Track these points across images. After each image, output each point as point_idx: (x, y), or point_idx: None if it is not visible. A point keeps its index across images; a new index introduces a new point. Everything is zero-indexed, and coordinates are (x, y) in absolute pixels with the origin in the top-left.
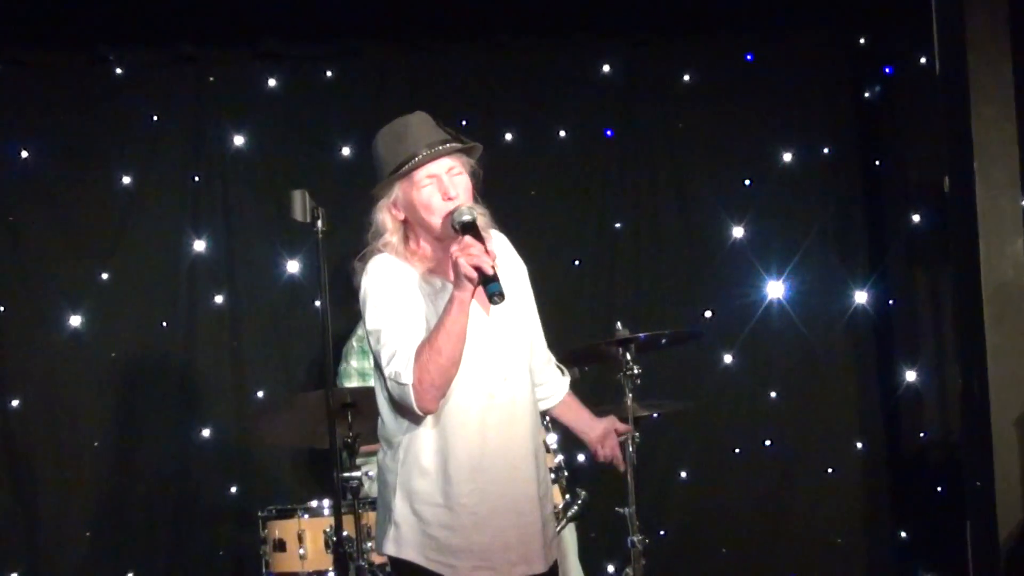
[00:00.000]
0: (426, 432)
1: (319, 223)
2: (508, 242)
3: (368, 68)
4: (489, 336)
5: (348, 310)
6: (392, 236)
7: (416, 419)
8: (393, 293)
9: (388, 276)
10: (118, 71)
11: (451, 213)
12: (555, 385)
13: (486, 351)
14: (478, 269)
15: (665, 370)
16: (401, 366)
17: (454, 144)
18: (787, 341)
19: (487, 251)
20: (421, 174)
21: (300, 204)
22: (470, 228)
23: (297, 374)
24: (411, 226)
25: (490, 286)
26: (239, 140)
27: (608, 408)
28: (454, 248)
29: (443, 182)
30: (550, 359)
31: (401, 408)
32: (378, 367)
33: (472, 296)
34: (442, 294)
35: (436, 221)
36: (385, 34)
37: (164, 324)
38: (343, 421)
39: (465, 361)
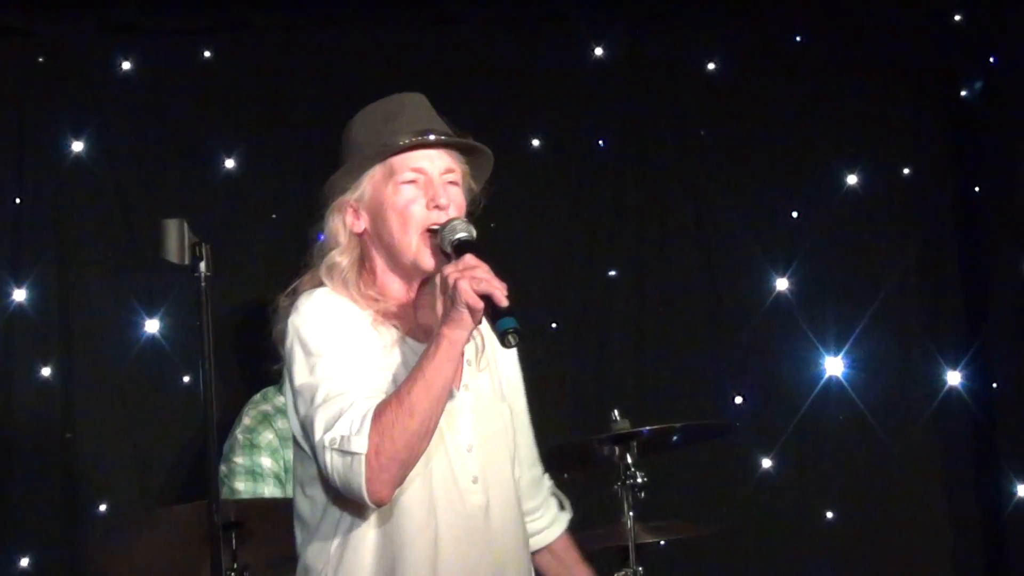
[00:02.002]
0: (365, 537)
1: (202, 265)
2: None
3: (260, 46)
4: (457, 419)
5: (237, 388)
6: (342, 257)
7: (357, 513)
8: (335, 334)
9: (329, 316)
10: None
11: (441, 228)
12: (547, 519)
13: (451, 437)
14: (486, 298)
15: (679, 479)
16: (350, 428)
17: (461, 137)
18: (849, 440)
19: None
20: (405, 166)
21: (176, 239)
22: (470, 248)
23: (156, 479)
24: (370, 248)
25: (502, 320)
26: (78, 147)
27: (598, 532)
28: (450, 268)
29: (433, 184)
30: (543, 480)
31: (339, 498)
32: (307, 440)
33: (469, 338)
34: (399, 349)
35: (409, 240)
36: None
37: None
38: (226, 547)
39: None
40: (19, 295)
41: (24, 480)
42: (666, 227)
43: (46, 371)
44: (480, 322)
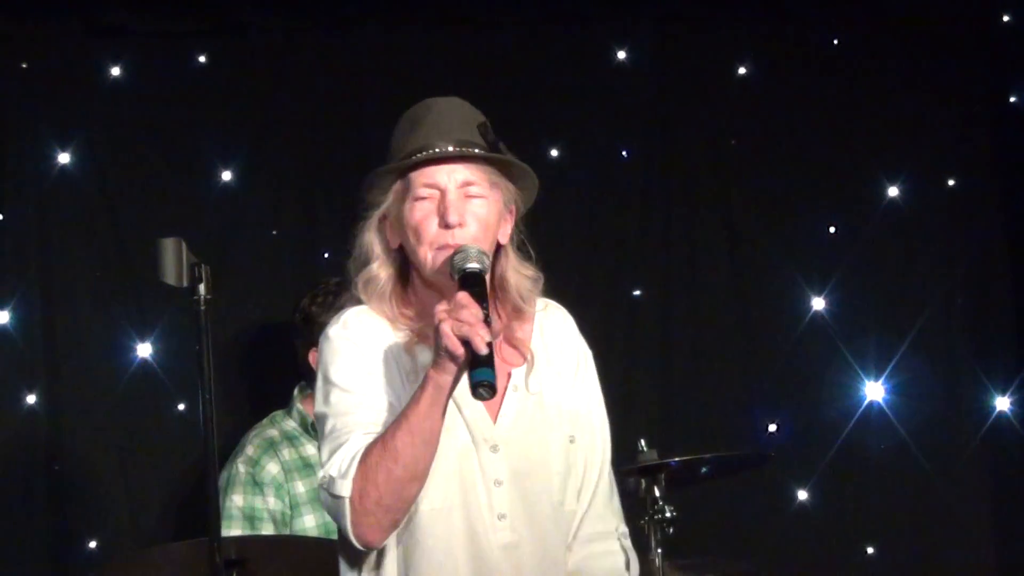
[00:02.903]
0: (389, 569)
1: (201, 288)
2: (570, 322)
3: (258, 50)
4: (486, 450)
5: (237, 414)
6: (380, 270)
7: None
8: (356, 364)
9: (356, 340)
10: None
11: (453, 254)
12: (607, 569)
13: (480, 469)
14: (467, 343)
15: (709, 513)
16: (339, 469)
17: (473, 147)
18: (891, 470)
19: (487, 320)
20: (419, 181)
21: (174, 259)
22: (472, 282)
23: (150, 514)
24: (409, 261)
25: (476, 372)
26: (64, 158)
27: None
28: (440, 307)
29: (446, 199)
30: (612, 524)
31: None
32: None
33: (456, 382)
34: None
35: (426, 257)
36: (285, 3)
37: None
38: None
39: (445, 474)
40: (2, 317)
41: (9, 515)
42: (694, 243)
43: (31, 398)
44: (464, 368)
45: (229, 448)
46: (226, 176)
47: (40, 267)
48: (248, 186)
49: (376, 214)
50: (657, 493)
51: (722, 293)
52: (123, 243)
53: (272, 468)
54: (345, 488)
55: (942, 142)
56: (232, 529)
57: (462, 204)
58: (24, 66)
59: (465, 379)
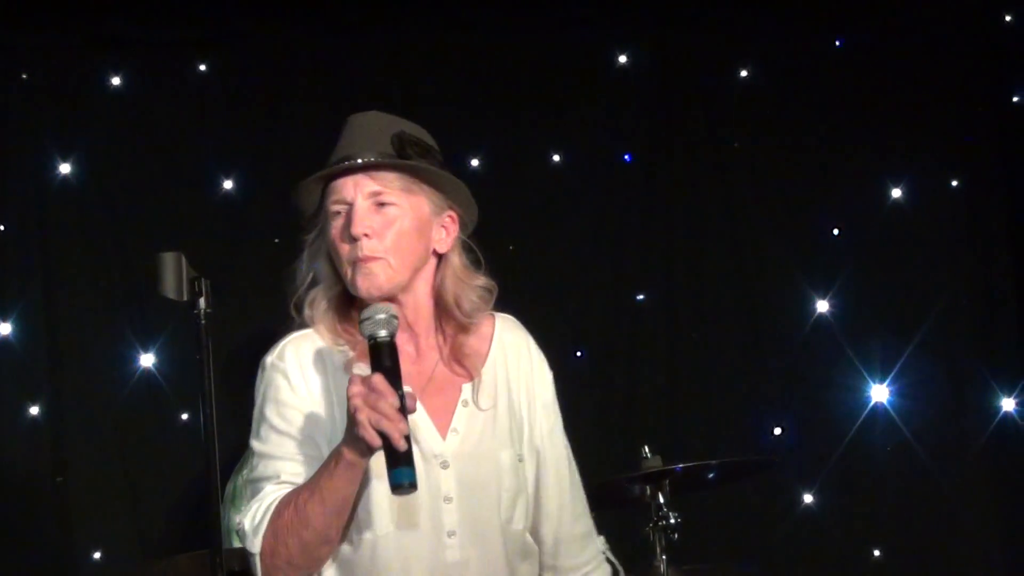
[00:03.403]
0: None
1: (201, 301)
2: (527, 338)
3: (259, 57)
4: (436, 466)
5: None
6: (325, 292)
7: (341, 566)
8: (286, 399)
9: (290, 372)
10: None
11: (361, 319)
12: None
13: (429, 486)
14: (385, 437)
15: (714, 518)
16: (252, 522)
17: (378, 156)
18: (897, 472)
19: (403, 406)
20: (331, 199)
21: (173, 274)
22: (385, 354)
23: (154, 525)
24: None
25: (396, 472)
26: (66, 168)
27: None
28: (354, 388)
29: (353, 212)
30: (591, 540)
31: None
32: None
33: (366, 460)
34: None
35: (346, 274)
36: (285, 10)
37: None
38: None
39: (387, 499)
40: (4, 328)
41: (12, 528)
42: (698, 247)
43: (34, 410)
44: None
45: (233, 457)
46: (227, 184)
47: (42, 277)
48: (250, 194)
49: (313, 235)
50: (661, 500)
51: (726, 297)
52: (125, 253)
53: None
54: (255, 544)
55: (945, 143)
56: (238, 542)
57: (369, 214)
58: (25, 77)
59: None
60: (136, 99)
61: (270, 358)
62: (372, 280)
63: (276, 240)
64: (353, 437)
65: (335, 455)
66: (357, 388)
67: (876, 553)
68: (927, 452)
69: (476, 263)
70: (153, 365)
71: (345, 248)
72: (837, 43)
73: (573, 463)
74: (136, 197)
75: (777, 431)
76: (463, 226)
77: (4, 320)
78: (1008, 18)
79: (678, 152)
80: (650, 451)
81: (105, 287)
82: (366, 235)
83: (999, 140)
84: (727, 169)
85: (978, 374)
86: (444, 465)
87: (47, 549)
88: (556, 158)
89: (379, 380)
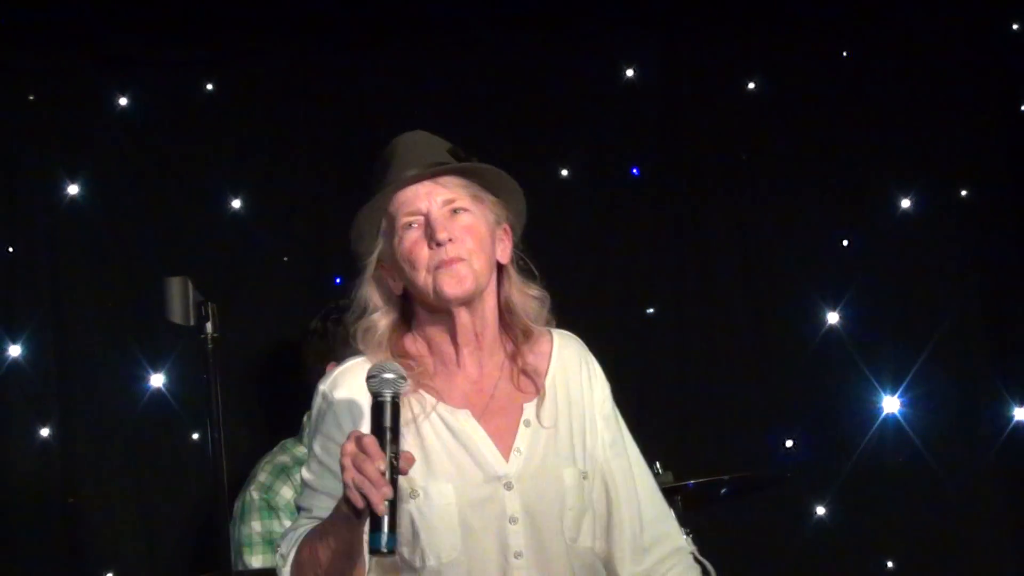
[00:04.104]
0: None
1: (208, 326)
2: (587, 353)
3: (266, 77)
4: (501, 488)
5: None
6: (382, 319)
7: None
8: (332, 435)
9: (339, 402)
10: None
11: (368, 376)
12: None
13: (495, 508)
14: (367, 499)
15: (726, 532)
16: (285, 551)
17: (444, 163)
18: (909, 483)
19: (391, 467)
20: (401, 212)
21: (180, 299)
22: (384, 414)
23: (166, 546)
24: (412, 302)
25: (372, 536)
26: (74, 189)
27: None
28: (347, 446)
29: (431, 219)
30: (669, 539)
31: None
32: None
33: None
34: (429, 421)
35: (427, 282)
36: (292, 27)
37: None
38: None
39: (449, 526)
40: (14, 351)
41: (24, 550)
42: (707, 260)
43: (45, 432)
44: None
45: (244, 474)
46: (236, 204)
47: (52, 299)
48: (258, 213)
49: (371, 262)
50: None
51: (736, 309)
52: (134, 273)
53: (286, 493)
54: (285, 573)
55: (953, 153)
56: (254, 555)
57: (448, 221)
58: (32, 98)
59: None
60: (143, 119)
61: (323, 386)
62: (460, 281)
63: (285, 259)
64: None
65: (337, 504)
66: (349, 447)
67: (889, 564)
68: (939, 463)
69: (531, 275)
70: (163, 385)
71: (424, 256)
72: (844, 54)
73: (644, 467)
74: (144, 217)
75: (789, 444)
76: (514, 237)
77: (14, 342)
78: (1015, 27)
79: (686, 165)
80: (662, 467)
81: (114, 308)
82: (450, 240)
83: (1007, 149)
84: (735, 181)
85: (990, 384)
86: (508, 486)
87: (58, 570)
88: (564, 172)
89: (370, 442)
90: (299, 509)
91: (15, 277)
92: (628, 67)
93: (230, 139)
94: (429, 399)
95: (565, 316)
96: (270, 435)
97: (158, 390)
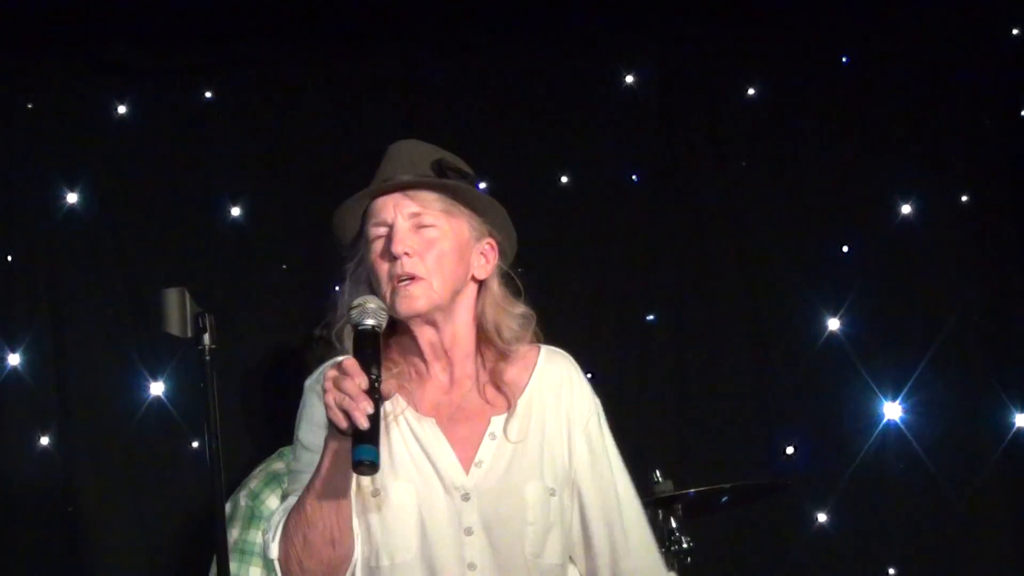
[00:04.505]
0: None
1: (206, 338)
2: (576, 373)
3: (266, 85)
4: (457, 499)
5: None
6: None
7: None
8: (319, 420)
9: (319, 401)
10: None
11: (350, 307)
12: None
13: (450, 518)
14: (349, 415)
15: (727, 540)
16: (273, 531)
17: (414, 175)
18: (910, 489)
19: (372, 388)
20: (371, 221)
21: (177, 309)
22: (367, 342)
23: (165, 555)
24: None
25: (357, 449)
26: (72, 198)
27: None
28: (330, 373)
29: (393, 231)
30: (652, 572)
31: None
32: None
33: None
34: (397, 425)
35: (386, 296)
36: (290, 34)
37: None
38: None
39: (407, 526)
40: (13, 359)
41: (23, 558)
42: (706, 267)
43: (44, 440)
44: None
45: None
46: (235, 211)
47: (50, 307)
48: (257, 221)
49: (353, 263)
50: (674, 524)
51: (736, 316)
52: (133, 281)
53: (272, 503)
54: (273, 550)
55: (954, 159)
56: (256, 570)
57: (409, 234)
58: (30, 106)
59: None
60: (142, 127)
61: (309, 380)
62: (412, 301)
63: (284, 266)
64: (328, 424)
65: (324, 448)
66: (330, 372)
67: (891, 572)
68: (940, 469)
69: (516, 292)
70: (163, 393)
71: (385, 268)
72: (844, 60)
73: (631, 495)
74: (143, 225)
75: (789, 451)
76: (503, 254)
77: (13, 351)
78: (1015, 31)
79: (686, 171)
80: (661, 475)
81: (113, 316)
82: (406, 254)
83: (1008, 155)
84: (735, 188)
85: (991, 390)
86: (465, 497)
87: None
88: (564, 179)
89: (350, 363)
90: (288, 495)
91: (14, 285)
92: (628, 73)
93: (229, 147)
94: (401, 402)
95: (564, 323)
96: (272, 443)
97: (157, 398)
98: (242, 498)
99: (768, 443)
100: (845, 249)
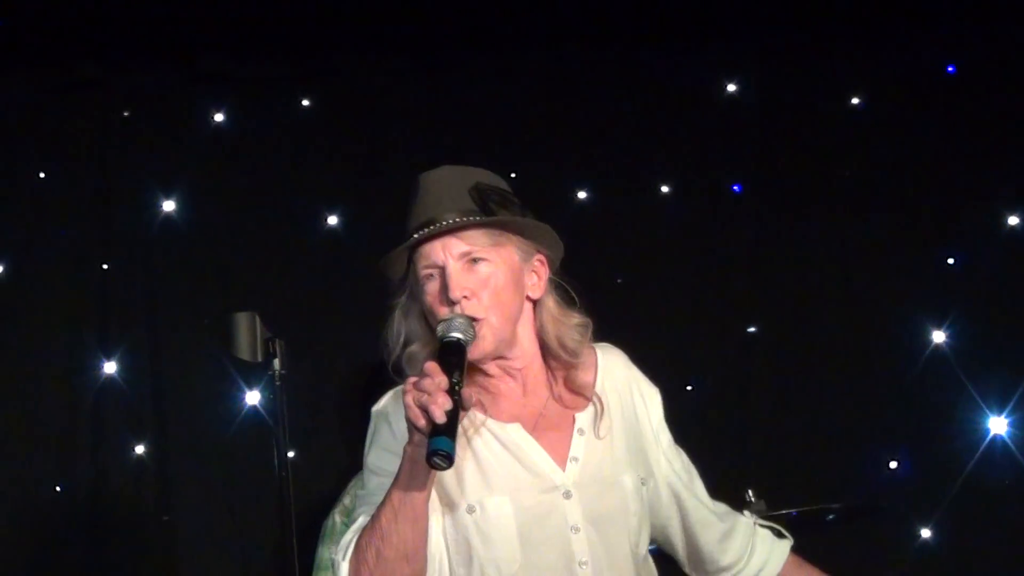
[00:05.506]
0: None
1: (276, 363)
2: (627, 362)
3: (364, 92)
4: (560, 497)
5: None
6: (423, 349)
7: None
8: (388, 447)
9: (392, 421)
10: None
11: (438, 322)
12: (756, 561)
13: (557, 517)
14: (426, 412)
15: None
16: (342, 551)
17: (460, 213)
18: (1017, 505)
19: (452, 390)
20: (420, 264)
21: (247, 334)
22: (451, 352)
23: (260, 564)
24: None
25: (433, 441)
26: (169, 206)
27: None
28: (409, 379)
29: (447, 275)
30: (738, 529)
31: None
32: None
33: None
34: (479, 435)
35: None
36: (389, 44)
37: (57, 489)
38: None
39: (506, 538)
40: (109, 368)
41: (120, 566)
42: (809, 278)
43: (140, 449)
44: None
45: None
46: (331, 220)
47: (147, 316)
48: (353, 229)
49: (404, 296)
50: None
51: (839, 328)
52: (228, 289)
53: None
54: (343, 570)
55: None
56: None
57: (463, 276)
58: (126, 115)
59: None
60: (238, 135)
61: (376, 407)
62: (479, 344)
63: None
64: (408, 428)
65: (402, 462)
66: (412, 377)
67: None
68: None
69: (569, 300)
70: (259, 403)
71: (444, 311)
72: (949, 69)
73: (691, 465)
74: (238, 234)
75: (893, 464)
76: (551, 265)
77: (109, 359)
78: None
79: (788, 181)
80: (754, 495)
81: (209, 324)
82: (465, 297)
83: None
84: (838, 198)
85: None
86: (567, 495)
87: None
88: (664, 189)
89: (431, 365)
90: (357, 517)
91: (110, 294)
92: (729, 82)
93: (325, 155)
94: (478, 416)
95: (664, 334)
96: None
97: (253, 407)
98: (336, 515)
99: (871, 457)
100: (951, 261)
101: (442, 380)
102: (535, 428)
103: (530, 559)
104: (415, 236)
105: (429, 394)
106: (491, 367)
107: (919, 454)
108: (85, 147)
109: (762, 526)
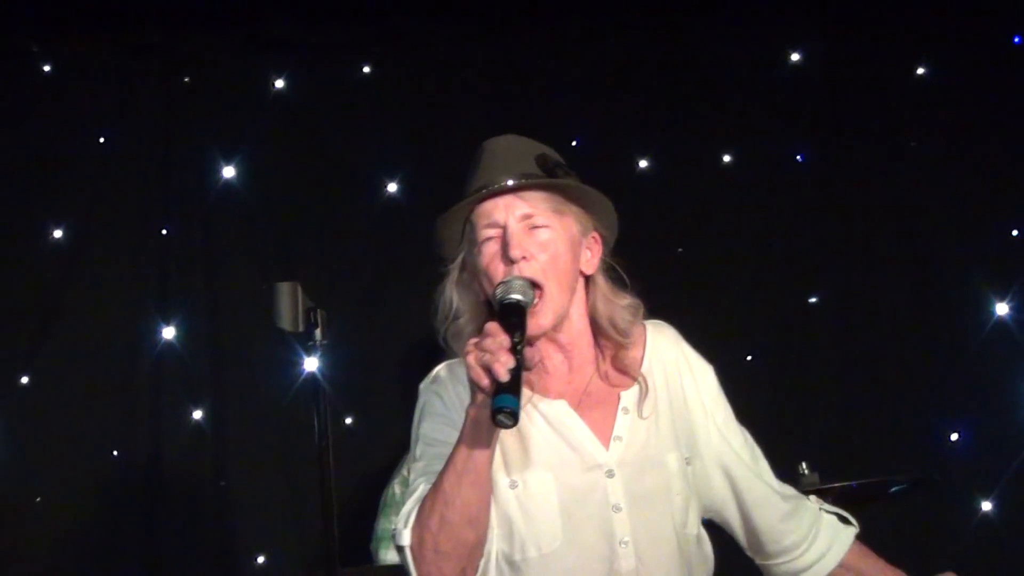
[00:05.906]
0: None
1: (317, 332)
2: (679, 340)
3: (425, 59)
4: (602, 476)
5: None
6: (468, 324)
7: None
8: (440, 417)
9: (442, 393)
10: (46, 69)
11: (496, 285)
12: (820, 545)
13: (598, 496)
14: (489, 371)
15: (884, 531)
16: (404, 519)
17: (524, 178)
18: None
19: (514, 349)
20: (480, 223)
21: (289, 304)
22: (512, 313)
23: (317, 532)
24: None
25: (496, 399)
26: (229, 172)
27: None
28: (470, 341)
29: (507, 234)
30: (802, 509)
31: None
32: None
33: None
34: (526, 414)
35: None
36: (451, 10)
37: (115, 453)
38: None
39: (549, 516)
40: (168, 333)
41: (177, 531)
42: (872, 249)
43: (197, 414)
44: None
45: (391, 464)
46: (391, 187)
47: (205, 282)
48: (413, 198)
49: (455, 266)
50: None
51: (901, 300)
52: (288, 255)
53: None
54: (405, 537)
55: None
56: (384, 553)
57: (524, 237)
58: (186, 80)
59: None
60: (299, 102)
61: (425, 382)
62: (538, 319)
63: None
64: (471, 387)
65: (464, 423)
66: (473, 338)
67: None
68: None
69: (620, 282)
70: (317, 369)
71: (500, 272)
72: (1016, 40)
73: (755, 444)
74: (298, 200)
75: (954, 436)
76: (606, 246)
77: (168, 323)
78: None
79: (852, 151)
80: (808, 467)
81: (268, 290)
82: (524, 258)
83: None
84: (903, 168)
85: None
86: (610, 474)
87: (210, 553)
88: (727, 158)
89: (492, 325)
90: (415, 485)
91: (169, 260)
92: (793, 51)
93: (386, 122)
94: (524, 391)
95: (726, 304)
96: None
97: (311, 374)
98: (396, 486)
99: (933, 428)
100: (1015, 233)
101: (504, 339)
102: (579, 405)
103: (571, 536)
104: (481, 192)
105: (492, 353)
106: (540, 342)
107: (980, 426)
108: (146, 113)
109: (828, 512)
